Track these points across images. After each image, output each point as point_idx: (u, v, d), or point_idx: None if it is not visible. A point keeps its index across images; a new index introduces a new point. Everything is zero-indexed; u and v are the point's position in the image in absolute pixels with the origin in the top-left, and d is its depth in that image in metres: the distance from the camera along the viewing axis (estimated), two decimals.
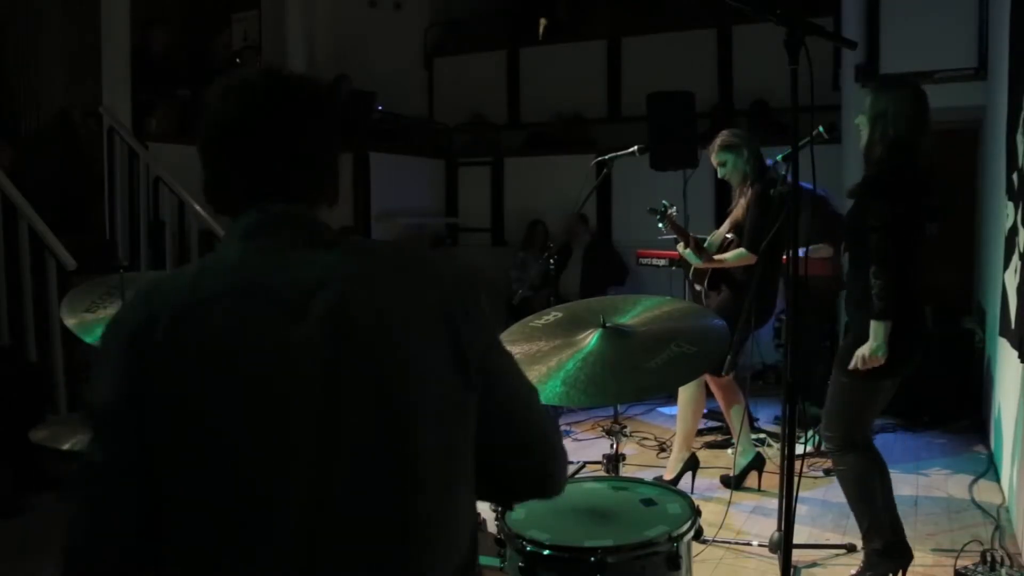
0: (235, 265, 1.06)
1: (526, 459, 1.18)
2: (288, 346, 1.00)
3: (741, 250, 3.87)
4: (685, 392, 3.93)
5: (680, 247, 3.99)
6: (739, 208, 3.97)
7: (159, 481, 0.99)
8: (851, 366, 2.74)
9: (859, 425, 2.87)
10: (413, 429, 1.03)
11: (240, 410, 0.98)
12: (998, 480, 4.03)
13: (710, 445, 4.71)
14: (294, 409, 0.99)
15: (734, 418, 3.98)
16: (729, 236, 3.97)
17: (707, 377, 3.84)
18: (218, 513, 0.98)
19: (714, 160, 3.98)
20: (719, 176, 4.06)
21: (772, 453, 4.35)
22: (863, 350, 2.71)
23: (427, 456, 1.03)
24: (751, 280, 3.80)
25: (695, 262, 4.00)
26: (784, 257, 3.53)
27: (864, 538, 2.89)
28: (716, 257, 3.97)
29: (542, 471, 1.21)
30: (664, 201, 3.93)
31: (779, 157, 3.36)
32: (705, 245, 4.04)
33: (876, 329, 2.69)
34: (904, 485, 3.95)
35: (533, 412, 1.19)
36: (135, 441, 0.99)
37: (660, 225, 3.92)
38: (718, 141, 3.96)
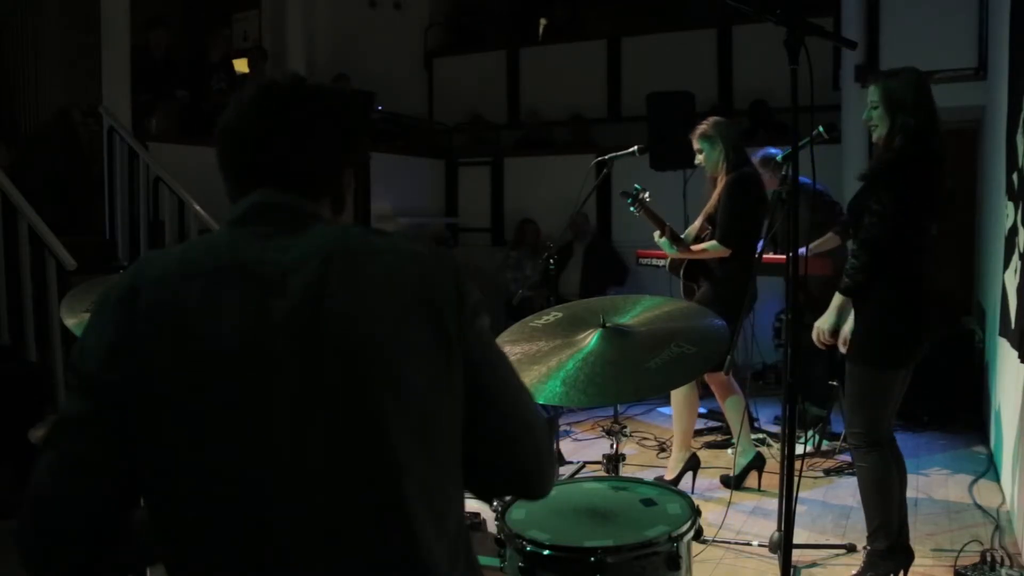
0: (221, 245, 1.09)
1: (510, 451, 1.16)
2: (266, 323, 1.01)
3: (714, 242, 3.90)
4: (678, 393, 3.92)
5: (656, 235, 4.00)
6: (711, 200, 4.00)
7: (136, 451, 1.00)
8: (813, 337, 2.89)
9: (881, 418, 2.83)
10: (393, 409, 1.03)
11: (214, 387, 0.99)
12: (998, 480, 4.03)
13: (710, 445, 4.71)
14: (269, 387, 1.00)
15: (730, 411, 3.97)
16: (710, 228, 4.00)
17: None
18: (197, 493, 0.99)
19: (695, 147, 4.02)
20: (695, 163, 4.09)
21: (772, 453, 4.35)
22: (819, 322, 2.87)
23: (409, 435, 1.03)
24: (729, 274, 3.84)
25: (669, 252, 4.04)
26: (784, 256, 3.54)
27: (870, 537, 2.87)
28: (692, 248, 4.00)
29: (526, 466, 1.19)
30: (636, 184, 3.94)
31: (779, 157, 3.36)
32: (683, 236, 4.08)
33: (837, 302, 2.83)
34: None
35: (521, 405, 1.17)
36: (110, 404, 1.01)
37: (632, 209, 3.93)
38: (698, 130, 4.00)
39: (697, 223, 4.11)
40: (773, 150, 4.51)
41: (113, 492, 1.02)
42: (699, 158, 4.00)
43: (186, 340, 1.00)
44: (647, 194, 3.92)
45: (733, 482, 3.93)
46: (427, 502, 1.04)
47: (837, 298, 2.84)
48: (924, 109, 2.74)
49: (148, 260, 1.09)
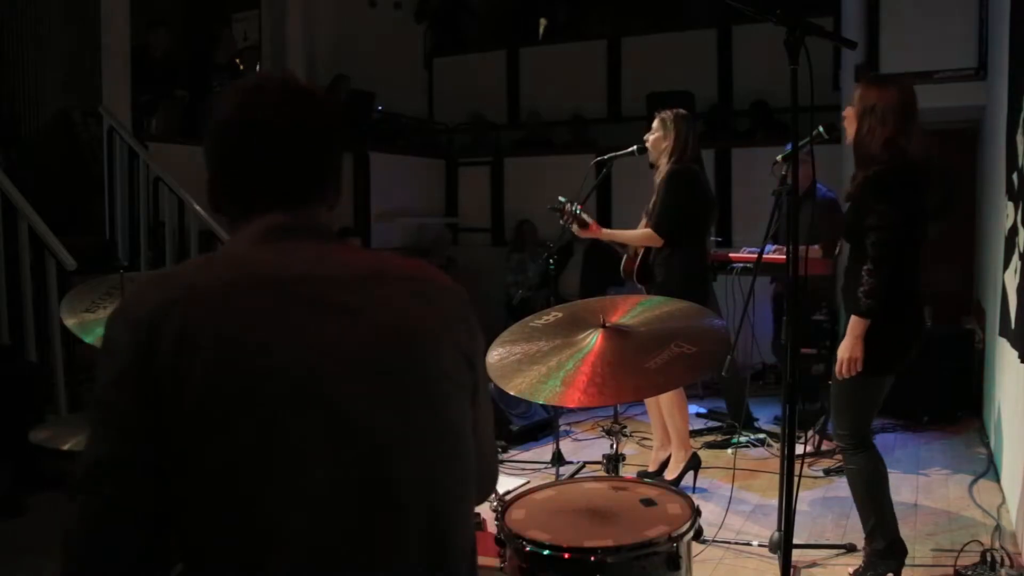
0: (251, 260, 1.07)
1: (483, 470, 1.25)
2: (306, 340, 1.00)
3: (647, 230, 3.91)
4: (665, 396, 3.90)
5: (575, 228, 3.96)
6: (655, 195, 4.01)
7: (171, 476, 0.97)
8: (836, 371, 2.75)
9: (867, 421, 2.88)
10: (431, 427, 1.05)
11: (252, 402, 0.97)
12: (998, 480, 4.03)
13: (710, 445, 4.72)
14: (305, 403, 0.99)
15: (677, 418, 3.97)
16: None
17: None
18: (232, 512, 0.97)
19: (653, 125, 4.02)
20: (643, 139, 4.06)
21: (772, 452, 4.35)
22: (842, 352, 2.73)
23: (441, 451, 1.06)
24: (677, 271, 3.86)
25: (586, 235, 4.00)
26: (786, 255, 3.53)
27: (867, 537, 2.88)
28: (623, 231, 4.02)
29: (486, 485, 1.30)
30: (560, 197, 3.94)
31: (779, 157, 3.36)
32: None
33: (855, 325, 2.71)
34: (904, 485, 3.96)
35: (491, 432, 1.29)
36: (142, 432, 0.96)
37: (561, 222, 3.94)
38: (661, 112, 4.00)
39: (642, 223, 4.12)
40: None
41: (151, 525, 0.98)
42: (649, 137, 3.99)
43: (232, 354, 0.97)
44: (575, 207, 3.90)
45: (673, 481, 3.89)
46: (456, 515, 1.07)
47: (859, 324, 2.70)
48: (899, 118, 2.72)
49: (171, 277, 1.05)
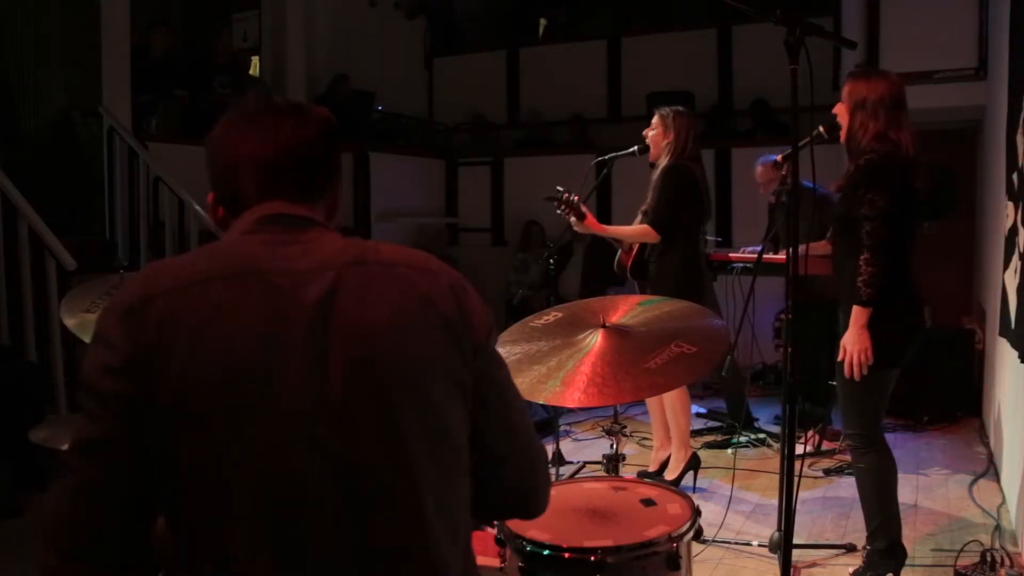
0: (234, 252, 1.08)
1: (505, 470, 1.18)
2: (281, 329, 1.01)
3: (643, 226, 3.90)
4: (670, 394, 3.88)
5: (572, 220, 3.91)
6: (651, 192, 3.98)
7: (155, 463, 0.99)
8: (846, 372, 2.73)
9: (877, 417, 2.86)
10: (409, 417, 1.04)
11: (228, 392, 0.98)
12: (998, 480, 4.03)
13: (710, 445, 4.72)
14: (281, 394, 0.99)
15: (679, 417, 3.96)
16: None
17: None
18: (211, 500, 0.98)
19: (652, 122, 3.99)
20: (643, 135, 4.03)
21: (772, 452, 4.35)
22: (850, 345, 2.70)
23: (423, 443, 1.04)
24: (670, 268, 3.84)
25: (582, 229, 3.94)
26: (784, 255, 3.53)
27: (869, 537, 2.88)
28: (614, 228, 4.02)
29: (522, 487, 1.21)
30: (558, 187, 3.93)
31: (777, 157, 3.37)
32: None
33: (858, 315, 2.69)
34: (904, 485, 3.93)
35: (523, 426, 1.20)
36: (128, 420, 0.98)
37: (559, 211, 3.89)
38: (662, 109, 3.98)
39: (637, 221, 4.10)
40: (772, 156, 4.51)
41: (134, 510, 1.00)
42: (648, 133, 3.97)
43: (204, 344, 0.99)
44: (574, 196, 3.87)
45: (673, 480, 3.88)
46: (442, 510, 1.05)
47: (862, 314, 2.69)
48: (890, 111, 2.73)
49: (157, 270, 1.07)
